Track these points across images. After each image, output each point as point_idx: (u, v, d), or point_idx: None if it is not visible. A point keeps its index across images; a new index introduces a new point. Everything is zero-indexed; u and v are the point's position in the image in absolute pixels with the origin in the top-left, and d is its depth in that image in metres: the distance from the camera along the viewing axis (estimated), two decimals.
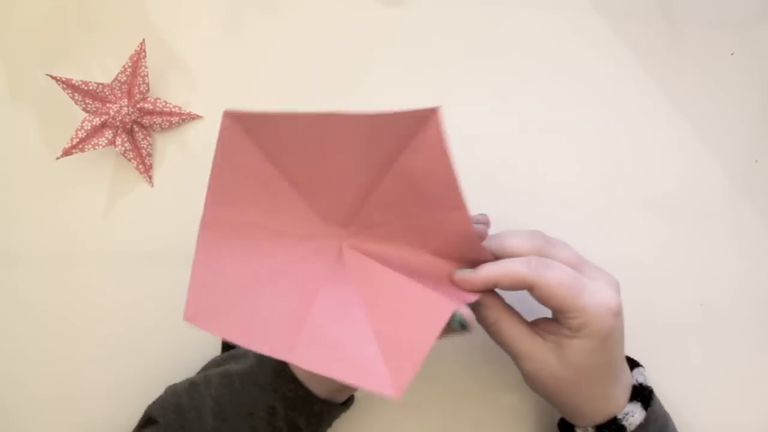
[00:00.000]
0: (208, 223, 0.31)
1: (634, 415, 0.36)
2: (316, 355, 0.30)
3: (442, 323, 0.29)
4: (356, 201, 0.32)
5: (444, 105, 0.46)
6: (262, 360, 0.36)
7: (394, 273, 0.32)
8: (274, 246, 0.32)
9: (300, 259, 0.33)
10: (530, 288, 0.33)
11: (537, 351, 0.35)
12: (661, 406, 0.38)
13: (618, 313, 0.33)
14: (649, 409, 0.36)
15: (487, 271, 0.33)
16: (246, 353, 0.38)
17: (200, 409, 0.36)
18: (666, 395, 0.40)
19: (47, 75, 0.43)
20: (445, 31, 0.47)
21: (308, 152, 0.30)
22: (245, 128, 0.29)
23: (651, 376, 0.40)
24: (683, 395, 0.44)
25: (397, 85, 0.46)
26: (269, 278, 0.32)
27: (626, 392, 0.36)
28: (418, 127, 0.29)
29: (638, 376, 0.37)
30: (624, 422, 0.35)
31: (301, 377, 0.36)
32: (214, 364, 0.40)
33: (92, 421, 0.45)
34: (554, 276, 0.32)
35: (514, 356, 0.36)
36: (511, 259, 0.33)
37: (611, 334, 0.33)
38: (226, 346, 0.41)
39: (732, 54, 0.47)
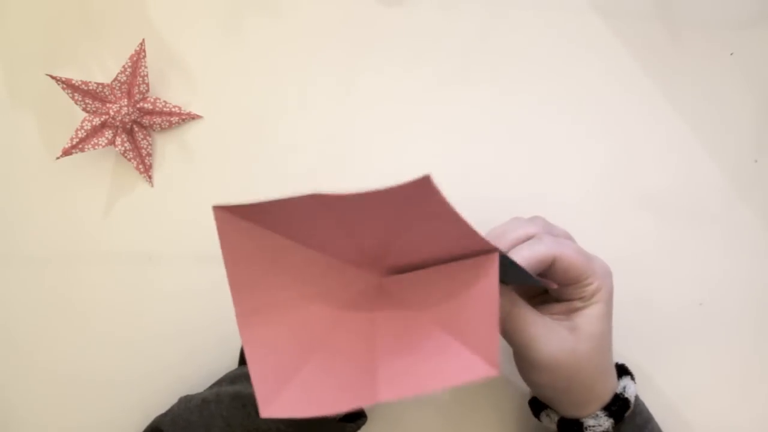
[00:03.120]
0: (243, 318, 0.31)
1: (630, 387, 0.37)
2: (402, 383, 0.30)
3: (356, 404, 0.29)
4: (378, 248, 0.32)
5: (444, 104, 0.46)
6: None
7: (370, 339, 0.32)
8: (315, 307, 0.32)
9: (343, 308, 0.32)
10: (553, 262, 0.34)
11: (552, 331, 0.34)
12: (644, 422, 0.38)
13: (610, 290, 0.36)
14: (622, 423, 0.36)
15: (521, 260, 0.33)
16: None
17: (210, 428, 0.37)
18: (666, 395, 0.40)
19: (47, 75, 0.43)
20: (445, 31, 0.47)
21: (309, 223, 0.30)
22: (240, 215, 0.29)
23: (651, 376, 0.40)
24: (683, 395, 0.44)
25: (398, 85, 0.46)
26: (322, 340, 0.32)
27: (602, 401, 0.36)
28: (413, 196, 0.28)
29: (619, 387, 0.37)
30: (626, 395, 0.36)
31: None
32: (228, 380, 0.40)
33: (92, 421, 0.45)
34: (569, 247, 0.34)
35: (529, 342, 0.35)
36: (527, 244, 0.34)
37: (611, 300, 0.36)
38: (243, 359, 0.41)
39: (731, 54, 0.47)
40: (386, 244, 0.31)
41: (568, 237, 0.37)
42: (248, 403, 0.36)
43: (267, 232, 0.30)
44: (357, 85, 0.47)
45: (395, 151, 0.46)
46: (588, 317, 0.35)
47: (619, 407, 0.36)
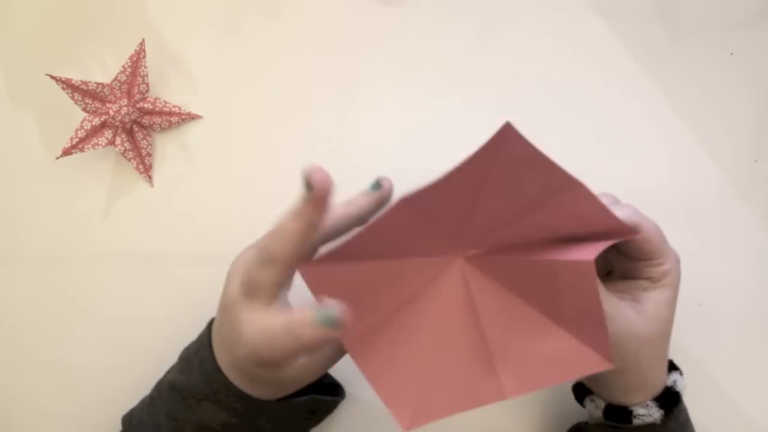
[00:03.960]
0: (353, 348, 0.32)
1: (679, 382, 0.37)
2: (525, 377, 0.31)
3: (483, 403, 0.32)
4: (463, 224, 0.31)
5: (445, 105, 0.46)
6: (206, 373, 0.35)
7: (479, 327, 0.32)
8: (414, 314, 0.32)
9: (440, 305, 0.33)
10: (636, 232, 0.33)
11: (619, 311, 0.33)
12: (686, 419, 0.38)
13: (676, 283, 0.36)
14: (670, 416, 0.36)
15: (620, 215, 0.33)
16: (190, 359, 0.36)
17: (158, 426, 0.36)
18: None
19: (47, 75, 0.43)
20: (445, 31, 0.47)
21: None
22: (323, 264, 0.30)
23: None
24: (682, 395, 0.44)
25: (398, 85, 0.46)
26: (433, 343, 0.32)
27: (654, 393, 0.36)
28: (494, 148, 0.29)
29: (670, 380, 0.37)
30: (677, 388, 0.36)
31: (246, 390, 0.34)
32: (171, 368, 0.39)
33: (92, 421, 0.45)
34: (649, 222, 0.34)
35: None
36: (613, 206, 0.33)
37: (678, 287, 0.35)
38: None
39: (732, 54, 0.47)
40: (468, 216, 0.31)
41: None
42: (187, 395, 0.35)
43: (349, 266, 0.30)
44: (357, 85, 0.47)
45: (395, 151, 0.46)
46: (655, 301, 0.34)
47: (669, 400, 0.36)
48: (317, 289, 0.30)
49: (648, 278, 0.35)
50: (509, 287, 0.32)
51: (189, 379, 0.35)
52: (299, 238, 0.30)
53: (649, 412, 0.35)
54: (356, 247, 0.29)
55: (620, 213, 0.32)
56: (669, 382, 0.36)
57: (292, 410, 0.36)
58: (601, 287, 0.33)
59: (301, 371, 0.33)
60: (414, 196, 0.28)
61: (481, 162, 0.28)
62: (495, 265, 0.32)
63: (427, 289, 0.32)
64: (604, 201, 0.32)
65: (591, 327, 0.30)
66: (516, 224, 0.31)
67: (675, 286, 0.35)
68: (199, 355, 0.36)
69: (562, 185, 0.30)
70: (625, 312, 0.34)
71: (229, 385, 0.34)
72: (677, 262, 0.36)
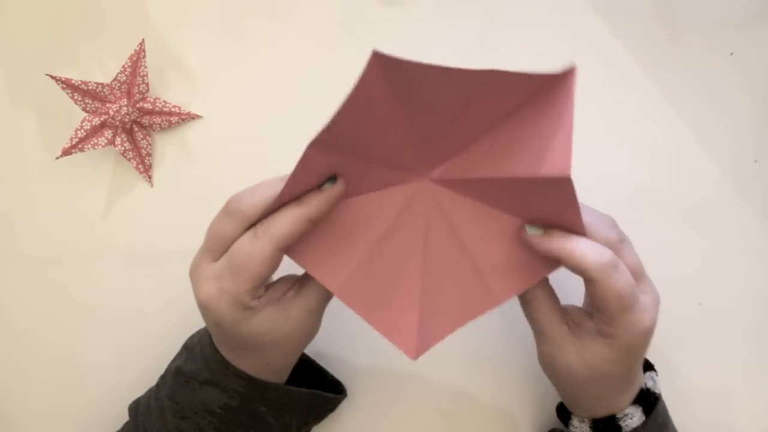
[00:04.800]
0: (342, 290, 0.33)
1: (633, 417, 0.36)
2: (512, 279, 0.32)
3: (479, 313, 0.32)
4: (458, 145, 0.32)
5: None
6: (206, 356, 0.35)
7: (460, 242, 0.33)
8: (392, 245, 0.33)
9: (419, 233, 0.33)
10: (588, 281, 0.31)
11: (561, 339, 0.34)
12: (664, 414, 0.38)
13: (649, 333, 0.33)
14: (650, 415, 0.36)
15: (559, 245, 0.31)
16: (193, 346, 0.37)
17: (162, 409, 0.36)
18: (665, 395, 0.40)
19: (47, 75, 0.43)
20: (445, 30, 0.47)
21: (433, 98, 0.30)
22: (386, 71, 0.29)
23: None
24: (682, 395, 0.44)
25: None
26: (420, 270, 0.33)
27: (632, 395, 0.36)
28: (550, 86, 0.29)
29: (648, 381, 0.37)
30: (621, 422, 0.35)
31: (246, 370, 0.34)
32: (175, 357, 0.39)
33: (92, 420, 0.45)
34: (616, 281, 0.31)
35: (538, 335, 0.35)
36: (585, 242, 0.31)
37: (636, 350, 0.33)
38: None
39: (731, 54, 0.47)
40: (474, 138, 0.31)
41: (635, 264, 0.33)
42: (190, 378, 0.36)
43: (390, 100, 0.30)
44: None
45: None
46: (596, 352, 0.33)
47: (647, 401, 0.36)
48: (295, 256, 0.31)
49: (598, 329, 0.33)
50: (480, 199, 0.33)
51: (192, 363, 0.36)
52: (298, 225, 0.30)
53: (633, 418, 0.35)
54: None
55: (592, 260, 0.30)
56: (619, 414, 0.36)
57: (293, 400, 0.36)
58: (559, 312, 0.35)
59: (269, 326, 0.33)
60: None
61: (525, 91, 0.29)
62: (462, 182, 0.33)
63: (402, 218, 0.33)
64: (610, 232, 0.33)
65: (438, 328, 0.32)
66: (463, 136, 0.31)
67: (623, 352, 0.33)
68: (201, 341, 0.36)
69: (557, 168, 0.29)
70: (566, 344, 0.34)
71: (226, 364, 0.34)
72: (633, 335, 0.32)
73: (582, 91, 0.46)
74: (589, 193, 0.46)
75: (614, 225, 0.34)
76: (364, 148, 0.30)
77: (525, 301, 0.35)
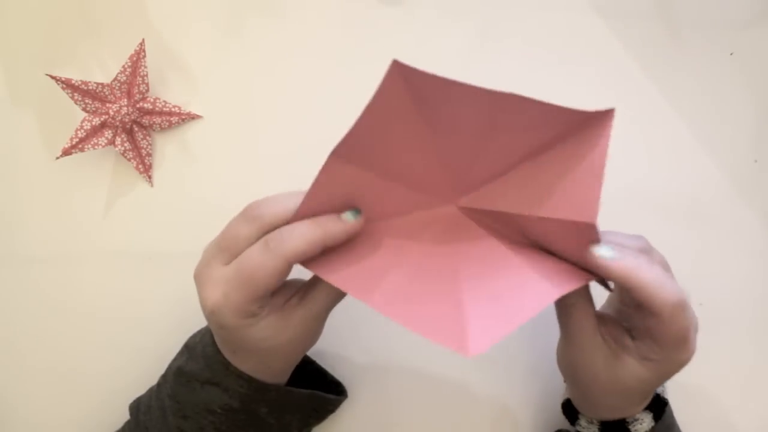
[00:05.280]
0: (381, 305, 0.31)
1: (643, 422, 0.35)
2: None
3: (540, 307, 0.29)
4: (485, 176, 0.31)
5: None
6: (207, 356, 0.35)
7: (501, 245, 0.32)
8: (426, 256, 0.32)
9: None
10: (652, 315, 0.30)
11: (592, 349, 0.33)
12: (671, 416, 0.38)
13: (688, 363, 0.32)
14: (659, 421, 0.36)
15: (634, 274, 0.29)
16: (195, 346, 0.37)
17: (163, 409, 0.36)
18: (665, 395, 0.40)
19: (47, 75, 0.43)
20: (445, 30, 0.47)
21: (458, 117, 0.29)
22: (407, 82, 0.28)
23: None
24: (682, 395, 0.44)
25: None
26: (453, 274, 0.32)
27: (647, 402, 0.36)
28: (585, 125, 0.28)
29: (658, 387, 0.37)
30: (630, 427, 0.35)
31: (247, 371, 0.34)
32: (176, 356, 0.39)
33: (91, 419, 0.45)
34: (684, 326, 0.30)
35: (566, 338, 0.34)
36: (659, 274, 0.30)
37: (671, 376, 0.33)
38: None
39: (731, 54, 0.47)
40: (502, 171, 0.31)
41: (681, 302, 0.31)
42: (191, 378, 0.35)
43: (413, 113, 0.29)
44: (357, 84, 0.47)
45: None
46: (630, 370, 0.32)
47: (658, 407, 0.36)
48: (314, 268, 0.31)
49: (638, 350, 0.32)
50: (502, 228, 0.33)
51: (193, 363, 0.36)
52: (310, 247, 0.30)
53: (642, 423, 0.35)
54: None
55: (664, 292, 0.29)
56: (629, 418, 0.36)
57: (294, 401, 0.36)
58: (594, 322, 0.33)
59: (271, 333, 0.32)
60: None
61: (561, 129, 0.28)
62: (488, 212, 0.32)
63: (427, 234, 0.33)
64: (634, 242, 0.31)
65: (495, 325, 0.29)
66: (491, 164, 0.31)
67: (660, 377, 0.32)
68: (203, 341, 0.36)
69: (583, 213, 0.29)
70: (595, 355, 0.33)
71: (227, 365, 0.34)
72: (676, 365, 0.32)
73: (582, 91, 0.46)
74: None
75: (660, 263, 0.33)
76: (387, 164, 0.30)
77: (563, 306, 0.34)
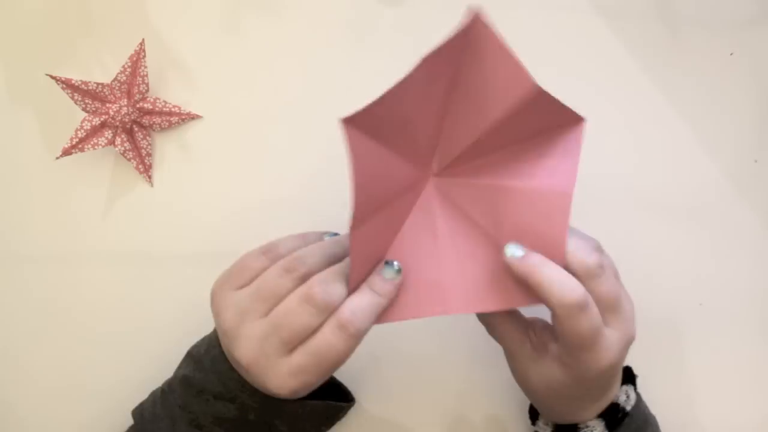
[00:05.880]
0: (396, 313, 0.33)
1: (630, 396, 0.36)
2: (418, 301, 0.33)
3: (424, 315, 0.32)
4: (434, 136, 0.32)
5: None
6: (219, 372, 0.35)
7: (438, 244, 0.34)
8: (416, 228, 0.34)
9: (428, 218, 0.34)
10: (552, 312, 0.31)
11: (522, 357, 0.35)
12: (637, 428, 0.37)
13: (608, 371, 0.32)
14: (614, 431, 0.36)
15: (532, 270, 0.30)
16: (201, 358, 0.36)
17: (174, 419, 0.36)
18: (666, 395, 0.40)
19: (47, 75, 0.43)
20: (445, 31, 0.47)
21: (394, 115, 0.30)
22: (357, 126, 0.29)
23: (650, 376, 0.39)
24: (683, 395, 0.44)
25: None
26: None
27: (599, 409, 0.36)
28: (463, 38, 0.30)
29: (621, 395, 0.37)
30: (626, 404, 0.36)
31: (260, 387, 0.33)
32: (181, 365, 0.39)
33: (91, 419, 0.45)
34: (580, 324, 0.30)
35: (505, 351, 0.36)
36: (558, 274, 0.30)
37: (592, 382, 0.33)
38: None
39: (731, 54, 0.47)
40: (440, 121, 0.32)
41: (610, 293, 0.32)
42: (203, 389, 0.35)
43: (375, 145, 0.30)
44: (357, 84, 0.47)
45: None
46: (555, 377, 0.33)
47: (613, 416, 0.36)
48: (357, 161, 0.29)
49: (559, 357, 0.33)
50: (474, 208, 0.33)
51: (202, 376, 0.35)
52: (378, 313, 0.31)
53: (594, 430, 0.36)
54: (385, 120, 0.30)
55: (559, 296, 0.30)
56: (620, 398, 0.36)
57: (308, 412, 0.36)
58: (519, 329, 0.35)
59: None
60: (383, 98, 0.29)
61: (450, 57, 0.30)
62: (464, 183, 0.33)
63: (397, 201, 0.33)
64: (590, 261, 0.31)
65: (552, 237, 0.31)
66: (482, 139, 0.31)
67: (579, 385, 0.33)
68: (210, 353, 0.36)
69: (523, 96, 0.30)
70: (526, 362, 0.35)
71: (243, 383, 0.34)
72: (590, 372, 0.32)
73: (582, 90, 0.46)
74: (587, 194, 0.46)
75: (596, 249, 0.33)
76: (399, 135, 0.30)
77: (485, 322, 0.36)
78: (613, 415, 0.36)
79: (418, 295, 0.33)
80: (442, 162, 0.33)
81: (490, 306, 0.32)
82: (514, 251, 0.31)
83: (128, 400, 0.40)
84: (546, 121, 0.31)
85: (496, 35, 0.29)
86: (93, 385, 0.45)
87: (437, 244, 0.33)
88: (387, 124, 0.30)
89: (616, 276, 0.34)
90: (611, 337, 0.32)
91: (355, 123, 0.28)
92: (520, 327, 0.35)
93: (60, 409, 0.45)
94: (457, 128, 0.32)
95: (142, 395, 0.40)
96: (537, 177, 0.31)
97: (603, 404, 0.36)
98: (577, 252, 0.31)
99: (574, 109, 0.30)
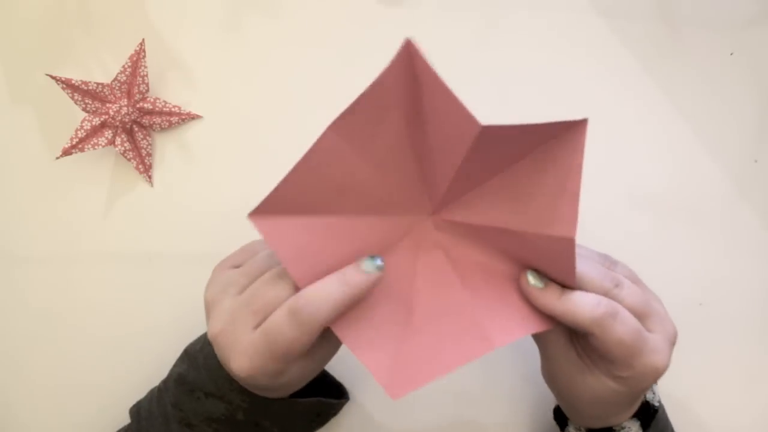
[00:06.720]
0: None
1: (630, 430, 0.35)
2: (509, 326, 0.31)
3: (471, 357, 0.30)
4: (456, 189, 0.31)
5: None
6: (210, 369, 0.35)
7: (457, 284, 0.32)
8: (393, 279, 0.32)
9: (376, 227, 0.32)
10: (589, 335, 0.30)
11: (566, 363, 0.33)
12: (664, 420, 0.37)
13: (661, 373, 0.32)
14: (647, 429, 0.36)
15: (554, 305, 0.30)
16: (196, 355, 0.36)
17: (167, 417, 0.36)
18: (666, 395, 0.40)
19: (47, 75, 0.43)
20: (445, 31, 0.47)
21: (446, 125, 0.28)
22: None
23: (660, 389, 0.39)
24: (683, 395, 0.44)
25: None
26: (412, 301, 0.32)
27: (633, 410, 0.36)
28: (556, 134, 0.28)
29: (648, 393, 0.37)
30: (653, 402, 0.36)
31: (247, 386, 0.34)
32: (177, 362, 0.39)
33: (91, 419, 0.45)
34: (617, 330, 0.30)
35: (545, 355, 0.35)
36: (580, 298, 0.30)
37: (646, 388, 0.33)
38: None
39: (731, 54, 0.47)
40: (474, 184, 0.31)
41: (638, 303, 0.31)
42: (194, 387, 0.35)
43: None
44: (357, 85, 0.47)
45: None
46: (604, 384, 0.32)
47: (647, 414, 0.36)
48: (277, 244, 0.29)
49: (608, 370, 0.32)
50: (479, 244, 0.32)
51: (195, 374, 0.36)
52: (341, 305, 0.29)
53: (630, 430, 0.35)
54: (308, 192, 0.29)
55: (587, 315, 0.29)
56: (616, 427, 0.36)
57: (297, 410, 0.36)
58: (565, 335, 0.33)
59: (299, 374, 0.33)
60: (339, 120, 0.28)
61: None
62: (464, 225, 0.32)
63: (398, 251, 0.32)
64: (605, 277, 0.31)
65: (421, 370, 0.30)
66: (470, 177, 0.30)
67: (635, 391, 0.32)
68: (204, 351, 0.36)
69: (560, 223, 0.28)
70: (571, 368, 0.33)
71: (231, 381, 0.34)
72: (646, 378, 0.31)
73: (582, 91, 0.46)
74: (588, 194, 0.46)
75: (608, 269, 0.33)
76: (377, 154, 0.29)
77: None
78: (646, 413, 0.36)
79: (459, 342, 0.31)
80: (434, 199, 0.32)
81: (530, 329, 0.31)
82: (535, 281, 0.31)
83: (127, 400, 0.40)
84: (530, 142, 0.29)
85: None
86: (92, 385, 0.45)
87: (459, 287, 0.32)
88: (312, 191, 0.29)
89: (636, 281, 0.34)
90: (656, 339, 0.31)
91: (261, 213, 0.28)
92: (565, 331, 0.33)
93: (60, 409, 0.45)
94: (435, 164, 0.30)
95: (140, 395, 0.40)
96: (536, 221, 0.30)
97: (634, 407, 0.35)
98: (594, 279, 0.31)
99: (563, 119, 0.28)
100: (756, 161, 0.46)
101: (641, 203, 0.46)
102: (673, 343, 0.33)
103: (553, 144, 0.29)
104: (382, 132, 0.29)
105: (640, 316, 0.31)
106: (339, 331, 0.30)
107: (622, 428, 0.35)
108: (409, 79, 0.27)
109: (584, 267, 0.31)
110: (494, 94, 0.46)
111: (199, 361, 0.36)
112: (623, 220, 0.46)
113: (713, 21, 0.47)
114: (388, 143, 0.29)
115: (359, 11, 0.47)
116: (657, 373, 0.31)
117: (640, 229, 0.46)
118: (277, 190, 0.28)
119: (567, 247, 0.28)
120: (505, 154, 0.29)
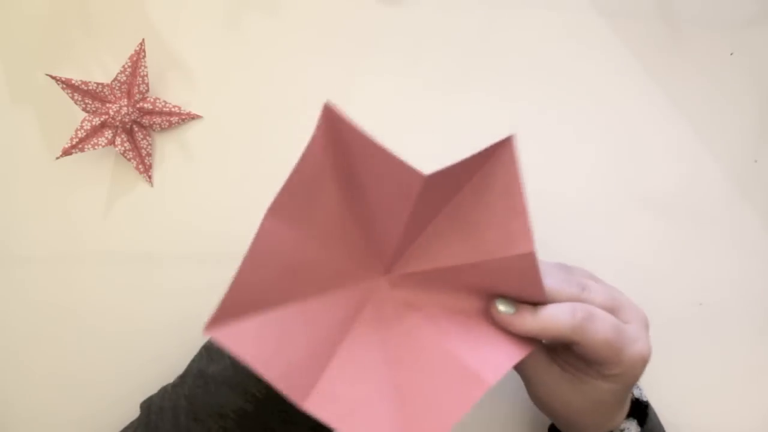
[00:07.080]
0: (310, 403, 0.29)
1: (630, 431, 0.36)
2: (329, 408, 0.29)
3: (472, 401, 0.29)
4: (405, 240, 0.30)
5: (444, 104, 0.46)
6: (236, 361, 0.35)
7: (432, 335, 0.31)
8: (364, 346, 0.31)
9: (335, 303, 0.31)
10: (572, 344, 0.31)
11: (553, 382, 0.33)
12: (655, 422, 0.38)
13: (648, 359, 0.32)
14: (644, 426, 0.36)
15: (530, 325, 0.30)
16: (222, 351, 0.37)
17: (176, 409, 0.36)
18: (665, 395, 0.40)
19: (47, 75, 0.43)
20: (445, 30, 0.47)
21: (381, 178, 0.28)
22: (335, 132, 0.28)
23: (650, 377, 0.39)
24: (682, 395, 0.44)
25: (397, 85, 0.46)
26: (393, 366, 0.31)
27: (627, 409, 0.36)
28: (489, 157, 0.28)
29: (635, 390, 0.37)
30: (642, 398, 0.36)
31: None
32: (196, 358, 0.39)
33: (92, 419, 0.45)
34: (599, 331, 0.30)
35: (529, 381, 0.34)
36: (555, 310, 0.30)
37: (637, 378, 0.33)
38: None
39: (731, 54, 0.47)
40: (419, 230, 0.30)
41: (606, 300, 0.32)
42: (210, 380, 0.36)
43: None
44: (356, 85, 0.47)
45: (395, 151, 0.46)
46: (598, 387, 0.33)
47: (640, 411, 0.36)
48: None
49: (598, 373, 0.32)
50: (442, 287, 0.32)
51: (215, 365, 0.36)
52: None
53: (629, 431, 0.35)
54: (260, 286, 0.28)
55: (566, 324, 0.29)
56: (615, 430, 0.36)
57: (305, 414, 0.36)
58: (543, 353, 0.33)
59: None
60: (274, 204, 0.27)
61: (463, 173, 0.28)
62: (421, 274, 0.31)
63: (361, 327, 0.31)
64: (571, 284, 0.31)
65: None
66: (447, 264, 0.30)
67: (628, 384, 0.33)
68: None
69: (515, 242, 0.28)
70: (558, 384, 0.33)
71: (250, 370, 0.34)
72: (636, 367, 0.32)
73: (581, 91, 0.46)
74: (588, 194, 0.46)
75: (569, 275, 0.33)
76: (319, 227, 0.29)
77: None
78: (639, 410, 0.36)
79: (454, 392, 0.30)
80: (384, 258, 0.31)
81: (517, 356, 0.31)
82: (506, 308, 0.31)
83: (127, 399, 0.40)
84: (467, 173, 0.29)
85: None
86: (93, 385, 0.45)
87: (435, 340, 0.31)
88: (264, 283, 0.28)
89: (596, 279, 0.34)
90: (632, 329, 0.32)
91: (217, 323, 0.27)
92: (543, 350, 0.34)
93: (60, 409, 0.45)
94: (380, 223, 0.30)
95: (141, 393, 0.40)
96: (491, 247, 0.29)
97: (627, 402, 0.36)
98: (561, 289, 0.31)
99: (486, 145, 0.28)
100: (756, 161, 0.46)
101: (641, 203, 0.46)
102: (647, 326, 0.33)
103: (487, 168, 0.29)
104: (320, 205, 0.28)
105: (612, 310, 0.32)
106: (335, 425, 0.29)
107: (621, 430, 0.35)
108: (338, 145, 0.27)
109: (547, 280, 0.31)
110: (495, 94, 0.46)
111: (225, 351, 0.36)
112: (623, 221, 0.46)
113: (713, 21, 0.47)
114: (329, 215, 0.29)
115: (359, 11, 0.47)
116: (644, 361, 0.32)
117: (640, 229, 0.46)
118: (228, 294, 0.27)
119: (529, 262, 0.28)
120: (445, 191, 0.29)
